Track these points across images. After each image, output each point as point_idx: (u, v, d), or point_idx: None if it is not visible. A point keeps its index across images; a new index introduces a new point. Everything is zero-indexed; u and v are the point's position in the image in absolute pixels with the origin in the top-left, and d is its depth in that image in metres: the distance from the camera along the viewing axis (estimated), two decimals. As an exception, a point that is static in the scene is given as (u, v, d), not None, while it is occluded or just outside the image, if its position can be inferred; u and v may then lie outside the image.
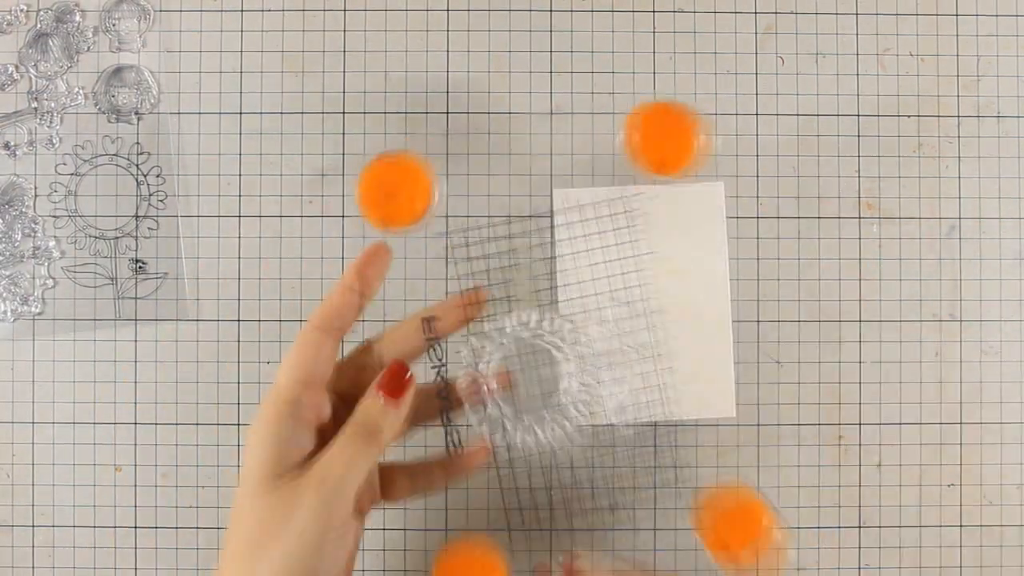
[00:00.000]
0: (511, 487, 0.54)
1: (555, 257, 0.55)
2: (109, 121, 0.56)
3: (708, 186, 0.56)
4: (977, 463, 0.56)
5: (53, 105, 0.56)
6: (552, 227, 0.55)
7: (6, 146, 0.56)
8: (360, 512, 0.44)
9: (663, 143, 0.49)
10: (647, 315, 0.54)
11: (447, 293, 0.55)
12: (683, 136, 0.49)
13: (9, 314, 0.56)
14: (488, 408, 0.48)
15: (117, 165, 0.56)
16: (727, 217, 0.56)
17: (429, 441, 0.56)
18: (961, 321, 0.56)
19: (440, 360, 0.47)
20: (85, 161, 0.56)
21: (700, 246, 0.55)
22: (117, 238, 0.56)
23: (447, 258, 0.55)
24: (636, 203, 0.55)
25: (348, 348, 0.46)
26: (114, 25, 0.56)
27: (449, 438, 0.48)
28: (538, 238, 0.56)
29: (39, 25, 0.56)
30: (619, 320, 0.54)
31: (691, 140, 0.49)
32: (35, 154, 0.56)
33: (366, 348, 0.45)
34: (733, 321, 0.55)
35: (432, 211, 0.51)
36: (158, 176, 0.56)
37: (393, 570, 0.55)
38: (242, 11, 0.56)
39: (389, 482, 0.47)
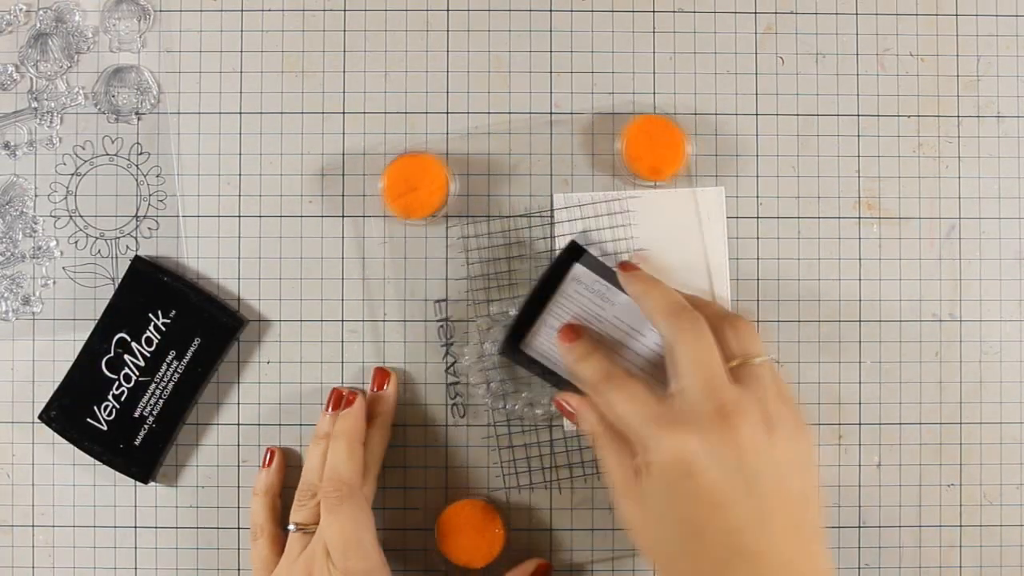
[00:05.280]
0: (508, 446, 0.55)
1: (555, 251, 0.55)
2: (109, 121, 0.56)
3: (709, 190, 0.56)
4: (977, 463, 0.56)
5: (53, 105, 0.56)
6: (552, 224, 0.56)
7: (6, 146, 0.56)
8: None
9: (656, 152, 0.54)
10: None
11: (446, 290, 0.55)
12: (673, 146, 0.54)
13: (10, 314, 0.56)
14: (492, 384, 0.54)
15: (117, 165, 0.56)
16: (727, 217, 0.56)
17: (431, 417, 0.56)
18: (961, 321, 0.56)
19: (449, 339, 0.54)
20: (85, 161, 0.56)
21: (700, 249, 0.55)
22: (117, 238, 0.56)
23: (465, 251, 0.55)
24: (635, 205, 0.55)
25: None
26: (114, 25, 0.56)
27: (454, 408, 0.55)
28: (540, 232, 0.56)
29: (39, 25, 0.56)
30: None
31: (680, 149, 0.54)
32: (35, 154, 0.56)
33: None
34: (733, 321, 0.55)
35: (447, 205, 0.54)
36: (158, 176, 0.56)
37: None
38: (242, 11, 0.56)
39: None
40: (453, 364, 0.55)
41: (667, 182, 0.55)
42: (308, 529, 0.51)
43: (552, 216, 0.56)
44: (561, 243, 0.55)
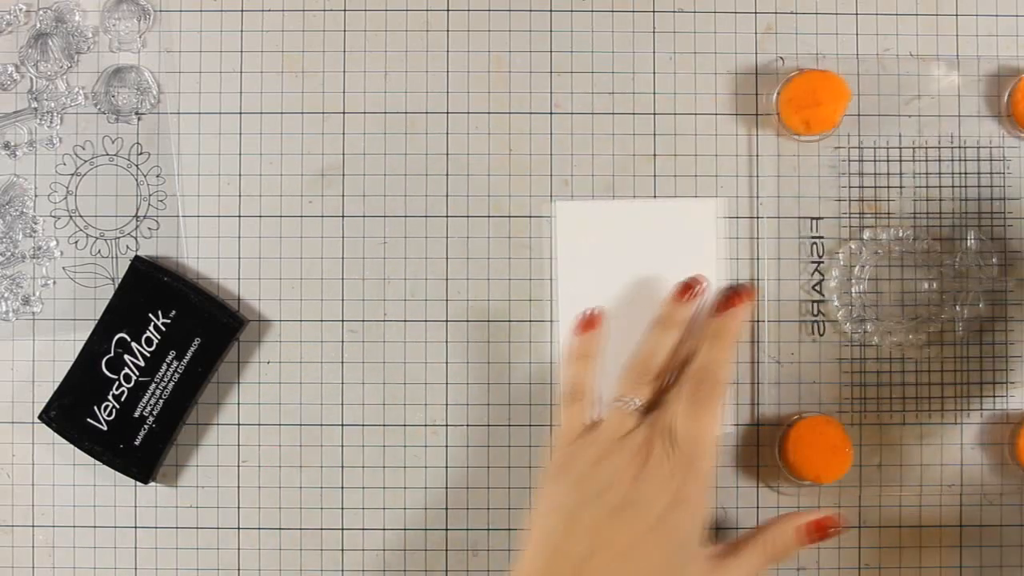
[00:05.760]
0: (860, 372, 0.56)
1: (554, 257, 0.56)
2: (109, 121, 0.56)
3: (702, 202, 0.56)
4: (978, 463, 0.56)
5: (53, 105, 0.56)
6: (552, 236, 0.56)
7: (6, 146, 0.56)
8: None
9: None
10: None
11: (467, 288, 0.55)
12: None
13: (10, 314, 0.56)
14: (854, 310, 0.55)
15: (117, 165, 0.56)
16: (728, 217, 0.56)
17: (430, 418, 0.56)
18: (963, 320, 0.56)
19: (820, 258, 0.55)
20: (85, 161, 0.56)
21: (693, 262, 0.55)
22: (117, 238, 0.56)
23: (466, 250, 0.55)
24: (634, 213, 0.55)
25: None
26: (114, 25, 0.56)
27: (815, 326, 0.56)
28: (541, 232, 0.56)
29: (39, 25, 0.56)
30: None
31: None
32: (35, 154, 0.56)
33: None
34: (733, 321, 0.55)
35: (840, 125, 0.55)
36: (158, 176, 0.56)
37: (394, 570, 0.55)
38: (242, 11, 0.56)
39: None
40: (820, 282, 0.55)
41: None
42: (634, 406, 0.49)
43: (553, 224, 0.56)
44: (563, 249, 0.55)
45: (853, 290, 0.55)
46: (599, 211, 0.56)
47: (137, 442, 0.54)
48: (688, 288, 0.52)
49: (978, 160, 0.56)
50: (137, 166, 0.56)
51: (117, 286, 0.55)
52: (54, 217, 0.56)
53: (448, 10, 0.56)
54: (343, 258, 0.56)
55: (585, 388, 0.51)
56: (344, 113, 0.56)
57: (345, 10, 0.56)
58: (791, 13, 0.56)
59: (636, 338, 0.52)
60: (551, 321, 0.55)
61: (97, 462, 0.54)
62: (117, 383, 0.54)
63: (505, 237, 0.56)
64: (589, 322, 0.53)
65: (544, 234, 0.56)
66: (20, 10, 0.56)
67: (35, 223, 0.56)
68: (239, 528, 0.55)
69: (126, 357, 0.54)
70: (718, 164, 0.56)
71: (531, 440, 0.55)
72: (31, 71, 0.56)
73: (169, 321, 0.54)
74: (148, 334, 0.54)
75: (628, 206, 0.56)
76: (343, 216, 0.56)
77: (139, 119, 0.56)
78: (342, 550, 0.55)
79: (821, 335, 0.56)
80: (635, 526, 0.45)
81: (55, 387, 0.54)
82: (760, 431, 0.55)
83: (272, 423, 0.56)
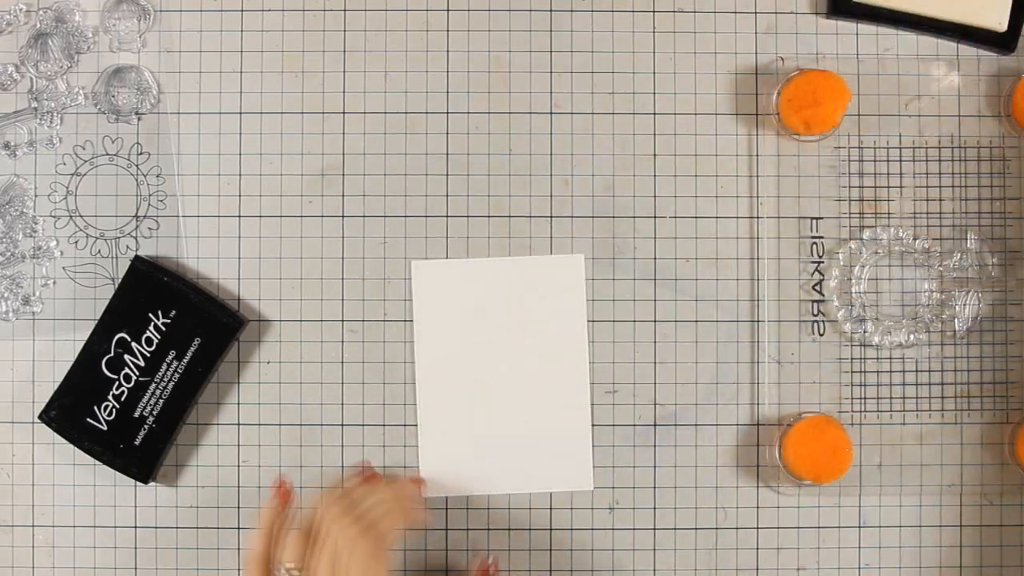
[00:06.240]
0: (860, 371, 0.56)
1: (413, 319, 0.56)
2: (109, 121, 0.56)
3: (568, 258, 0.55)
4: (978, 463, 0.55)
5: (53, 105, 0.56)
6: (412, 298, 0.55)
7: (6, 146, 0.56)
8: None
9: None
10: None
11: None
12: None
13: (10, 314, 0.56)
14: (854, 310, 0.55)
15: (117, 165, 0.56)
16: (728, 217, 0.56)
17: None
18: (963, 320, 0.56)
19: (820, 258, 0.55)
20: (85, 161, 0.56)
21: (560, 317, 0.55)
22: (117, 238, 0.56)
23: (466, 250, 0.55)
24: (498, 274, 0.55)
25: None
26: (114, 25, 0.56)
27: (814, 326, 0.56)
28: (540, 232, 0.56)
29: (39, 25, 0.56)
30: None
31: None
32: (35, 154, 0.56)
33: None
34: (732, 321, 0.55)
35: (841, 122, 0.55)
36: (158, 176, 0.56)
37: (394, 570, 0.55)
38: (242, 11, 0.56)
39: None
40: (820, 282, 0.56)
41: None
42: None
43: (411, 283, 0.55)
44: (420, 310, 0.55)
45: (853, 290, 0.55)
46: (457, 270, 0.55)
47: (137, 442, 0.54)
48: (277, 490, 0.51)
49: (978, 160, 0.56)
50: (137, 166, 0.56)
51: (117, 286, 0.55)
52: (54, 217, 0.56)
53: (448, 10, 0.56)
54: (343, 258, 0.56)
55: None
56: (344, 113, 0.56)
57: (345, 10, 0.56)
58: (791, 13, 0.56)
59: (495, 401, 0.54)
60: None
61: (97, 462, 0.54)
62: (117, 383, 0.54)
63: (505, 237, 0.56)
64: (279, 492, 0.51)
65: (545, 234, 0.56)
66: (20, 10, 0.56)
67: (35, 223, 0.56)
68: (239, 528, 0.55)
69: (126, 357, 0.54)
70: (718, 164, 0.56)
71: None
72: (31, 71, 0.56)
73: (169, 321, 0.54)
74: (148, 334, 0.54)
75: (486, 265, 0.55)
76: (343, 216, 0.56)
77: (139, 119, 0.56)
78: (342, 550, 0.55)
79: (821, 335, 0.56)
80: None
81: (55, 387, 0.54)
82: (760, 431, 0.55)
83: (272, 423, 0.56)
